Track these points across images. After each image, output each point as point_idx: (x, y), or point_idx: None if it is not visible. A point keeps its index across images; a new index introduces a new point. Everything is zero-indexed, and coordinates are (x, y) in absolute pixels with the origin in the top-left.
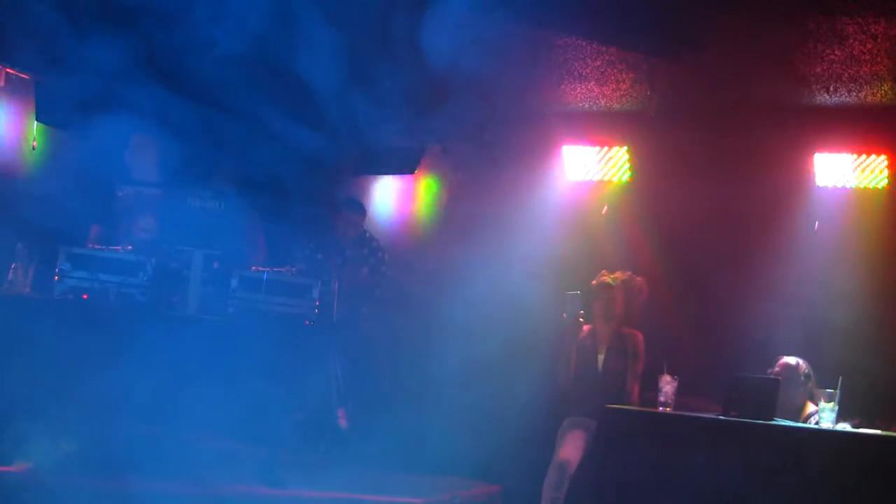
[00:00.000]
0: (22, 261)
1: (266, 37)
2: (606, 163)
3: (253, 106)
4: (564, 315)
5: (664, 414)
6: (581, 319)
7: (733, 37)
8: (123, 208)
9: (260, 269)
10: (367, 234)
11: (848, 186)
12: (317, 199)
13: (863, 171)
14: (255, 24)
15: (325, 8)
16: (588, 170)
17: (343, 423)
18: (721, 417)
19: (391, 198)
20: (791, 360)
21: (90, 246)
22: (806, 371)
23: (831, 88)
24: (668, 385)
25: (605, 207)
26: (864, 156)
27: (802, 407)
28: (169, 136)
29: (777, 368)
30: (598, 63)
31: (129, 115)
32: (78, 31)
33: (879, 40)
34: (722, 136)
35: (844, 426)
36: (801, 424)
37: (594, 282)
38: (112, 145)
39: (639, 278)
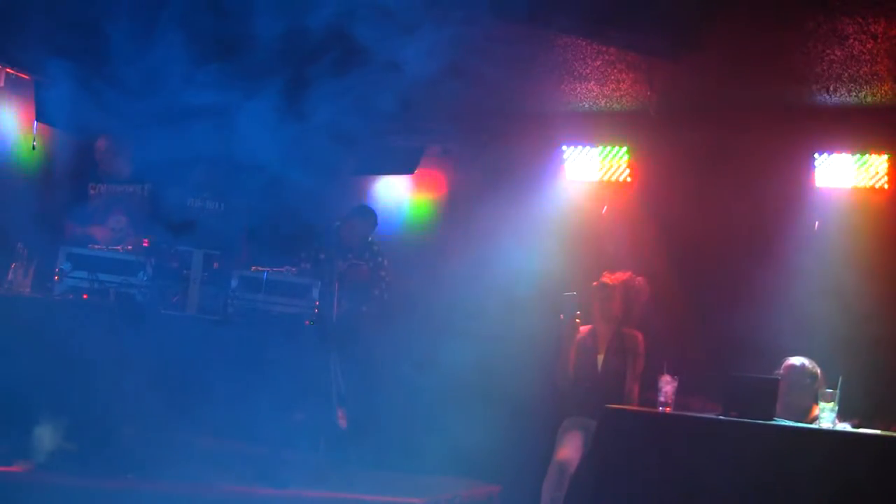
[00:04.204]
0: (22, 261)
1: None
2: (606, 163)
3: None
4: (562, 316)
5: (664, 414)
6: (578, 320)
7: (733, 36)
8: (95, 205)
9: (260, 269)
10: (370, 239)
11: (848, 186)
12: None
13: (863, 171)
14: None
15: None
16: (588, 170)
17: (343, 423)
18: (721, 417)
19: (391, 198)
20: (796, 361)
21: (91, 247)
22: (813, 372)
23: (831, 88)
24: (668, 385)
25: (605, 207)
26: (864, 156)
27: (809, 409)
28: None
29: (782, 371)
30: (598, 63)
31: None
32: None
33: (879, 40)
34: (722, 136)
35: (844, 426)
36: (800, 424)
37: (595, 282)
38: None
39: (639, 279)
